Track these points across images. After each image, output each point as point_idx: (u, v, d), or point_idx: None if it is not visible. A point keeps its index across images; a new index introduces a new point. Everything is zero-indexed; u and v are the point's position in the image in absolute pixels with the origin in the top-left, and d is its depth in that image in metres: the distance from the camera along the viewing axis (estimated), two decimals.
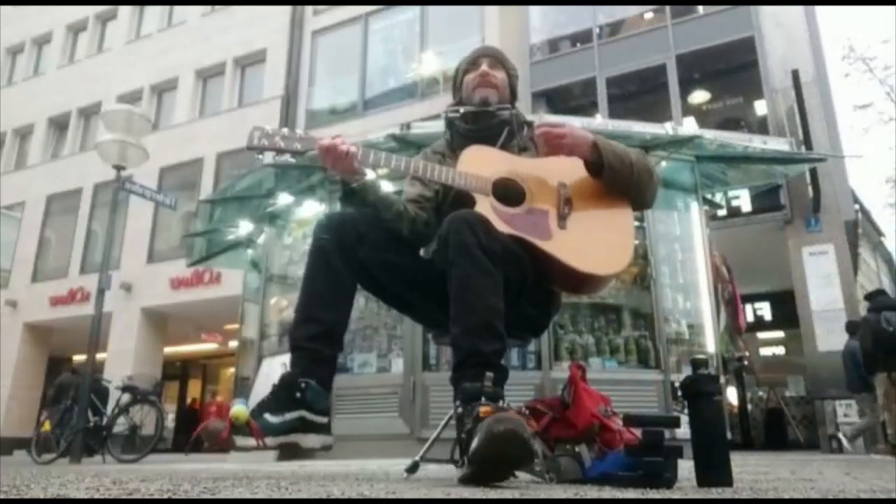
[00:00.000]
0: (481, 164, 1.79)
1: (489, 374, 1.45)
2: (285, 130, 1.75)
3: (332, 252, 1.70)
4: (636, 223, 5.58)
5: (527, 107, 10.45)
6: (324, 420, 1.63)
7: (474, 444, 1.28)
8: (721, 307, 6.99)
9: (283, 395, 1.59)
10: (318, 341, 1.66)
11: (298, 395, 1.58)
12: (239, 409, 1.51)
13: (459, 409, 1.44)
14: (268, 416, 1.56)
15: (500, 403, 1.39)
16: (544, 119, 2.29)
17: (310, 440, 1.60)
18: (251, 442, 1.49)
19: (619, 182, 1.78)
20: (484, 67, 1.96)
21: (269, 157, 1.80)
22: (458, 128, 1.97)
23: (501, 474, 1.38)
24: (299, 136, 1.75)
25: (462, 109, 1.94)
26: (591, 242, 1.74)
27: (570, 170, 1.81)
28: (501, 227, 1.65)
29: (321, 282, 1.70)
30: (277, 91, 14.59)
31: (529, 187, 1.77)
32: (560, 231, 1.73)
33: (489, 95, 1.92)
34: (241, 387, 6.68)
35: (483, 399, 1.40)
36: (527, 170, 1.81)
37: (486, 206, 1.70)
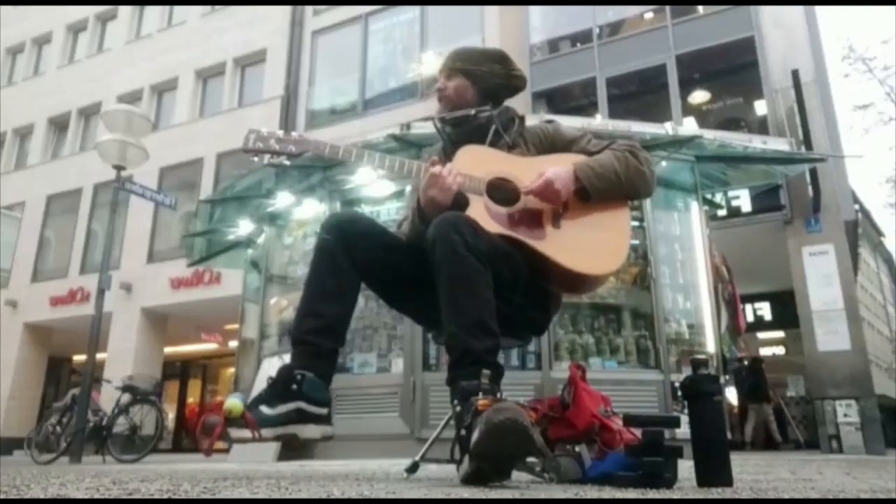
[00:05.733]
0: (476, 163, 1.78)
1: (486, 372, 1.44)
2: (280, 133, 1.75)
3: (336, 249, 1.69)
4: (636, 223, 5.59)
5: (527, 107, 10.43)
6: (323, 411, 1.59)
7: (474, 436, 1.27)
8: (722, 307, 6.98)
9: (279, 388, 1.57)
10: (318, 335, 1.63)
11: (294, 386, 1.57)
12: (233, 402, 1.48)
13: (458, 408, 1.43)
14: (263, 408, 1.53)
15: (499, 396, 1.39)
16: (541, 118, 2.27)
17: (308, 430, 1.56)
18: (246, 434, 1.46)
19: (611, 196, 1.79)
20: (437, 83, 1.97)
21: (266, 159, 1.80)
22: (446, 132, 1.98)
23: (504, 467, 1.37)
24: (294, 139, 1.75)
25: (445, 116, 1.94)
26: (586, 242, 1.74)
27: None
28: (495, 227, 1.65)
29: (325, 278, 1.68)
30: (277, 91, 14.57)
31: (525, 186, 1.76)
32: (554, 231, 1.73)
33: (440, 110, 1.94)
34: (242, 390, 6.67)
35: (481, 395, 1.39)
36: (522, 169, 1.80)
37: (479, 207, 1.70)
